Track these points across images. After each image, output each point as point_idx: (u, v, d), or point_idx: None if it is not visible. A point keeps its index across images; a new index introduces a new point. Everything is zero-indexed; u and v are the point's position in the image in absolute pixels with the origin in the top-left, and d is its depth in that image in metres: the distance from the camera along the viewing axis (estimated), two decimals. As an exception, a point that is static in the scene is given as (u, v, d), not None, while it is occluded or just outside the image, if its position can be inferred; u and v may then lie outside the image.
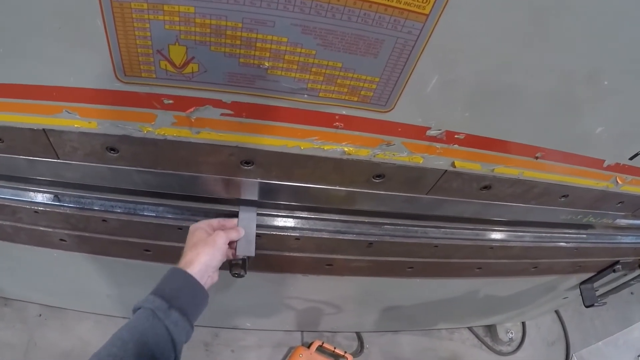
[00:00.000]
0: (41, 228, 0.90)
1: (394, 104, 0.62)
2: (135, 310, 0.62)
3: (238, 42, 0.51)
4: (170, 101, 0.58)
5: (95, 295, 1.36)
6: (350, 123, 0.64)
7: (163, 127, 0.62)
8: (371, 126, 0.65)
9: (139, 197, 0.80)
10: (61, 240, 0.93)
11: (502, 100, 0.63)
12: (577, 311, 2.13)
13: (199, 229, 0.72)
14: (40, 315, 1.59)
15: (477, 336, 1.91)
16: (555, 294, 1.60)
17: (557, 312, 2.10)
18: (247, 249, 0.77)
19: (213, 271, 0.70)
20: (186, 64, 0.53)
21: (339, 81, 0.57)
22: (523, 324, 2.00)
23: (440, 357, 1.81)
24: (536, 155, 0.76)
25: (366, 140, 0.67)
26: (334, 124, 0.63)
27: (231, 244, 0.76)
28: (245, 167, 0.68)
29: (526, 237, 1.12)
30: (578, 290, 1.47)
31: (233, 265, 0.78)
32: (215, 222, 0.76)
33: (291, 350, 1.62)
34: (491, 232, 1.07)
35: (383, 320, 1.56)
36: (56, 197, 0.84)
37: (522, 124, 0.68)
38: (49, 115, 0.63)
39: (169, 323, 0.60)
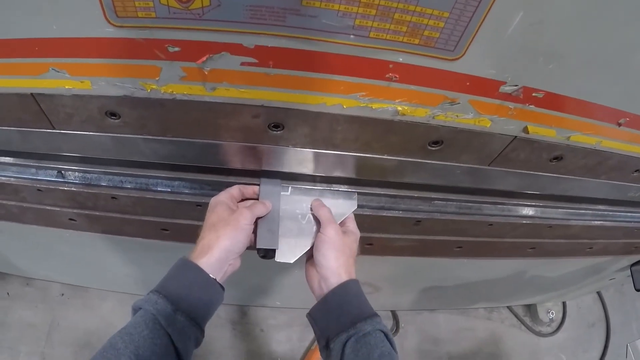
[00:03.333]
0: (48, 207, 0.82)
1: (464, 50, 0.48)
2: (135, 310, 0.53)
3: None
4: (177, 48, 0.45)
5: (116, 274, 1.31)
6: (407, 74, 0.50)
7: (170, 83, 0.50)
8: (433, 78, 0.51)
9: (150, 170, 0.69)
10: (70, 219, 0.84)
11: (594, 51, 0.49)
12: (619, 291, 2.03)
13: (220, 203, 0.60)
14: (62, 294, 1.56)
15: (516, 316, 1.80)
16: (603, 275, 1.51)
17: (598, 292, 1.99)
18: (269, 240, 0.63)
19: (235, 258, 0.59)
20: (195, -6, 0.40)
21: (396, 16, 0.43)
22: (564, 303, 1.89)
23: (477, 337, 1.72)
24: (619, 121, 0.63)
25: (425, 97, 0.53)
26: (387, 75, 0.50)
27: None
28: (274, 132, 0.56)
29: (588, 215, 1.01)
30: (627, 271, 1.37)
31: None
32: (235, 191, 0.64)
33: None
34: (552, 209, 0.93)
35: (420, 300, 1.47)
36: (59, 173, 0.74)
37: (612, 81, 0.55)
38: (35, 76, 0.52)
39: (172, 331, 0.50)
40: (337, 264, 0.60)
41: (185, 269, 0.55)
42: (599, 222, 1.01)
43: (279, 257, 0.64)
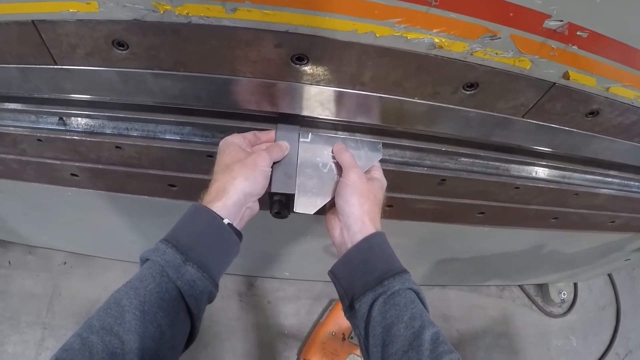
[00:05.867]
0: (49, 161, 0.78)
1: (510, -30, 0.43)
2: (143, 261, 0.48)
3: None
4: (196, -45, 0.40)
5: (120, 241, 1.28)
6: (448, -3, 0.45)
7: (186, 2, 0.45)
8: (475, 5, 0.46)
9: (158, 114, 0.64)
10: (72, 175, 0.80)
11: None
12: (629, 276, 2.01)
13: (233, 144, 0.55)
14: (65, 263, 1.54)
15: (527, 295, 1.78)
16: (619, 255, 1.46)
17: (609, 275, 1.95)
18: (285, 184, 0.59)
19: (254, 201, 0.55)
20: None
21: None
22: (575, 285, 1.86)
23: (488, 316, 1.70)
24: (661, 74, 0.57)
25: (465, 27, 0.48)
26: (427, -2, 0.44)
27: None
28: (297, 66, 0.51)
29: (615, 184, 0.97)
30: (642, 252, 1.34)
31: (274, 202, 0.60)
32: (250, 135, 0.59)
33: (332, 302, 1.52)
34: (580, 175, 0.89)
35: (432, 274, 1.44)
36: (60, 119, 0.69)
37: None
38: None
39: (182, 284, 0.46)
40: (361, 211, 0.55)
41: (197, 216, 0.51)
42: (625, 193, 0.96)
43: (298, 208, 0.59)
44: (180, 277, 0.46)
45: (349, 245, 0.55)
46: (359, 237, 0.54)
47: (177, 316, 0.46)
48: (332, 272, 0.57)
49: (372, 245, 0.54)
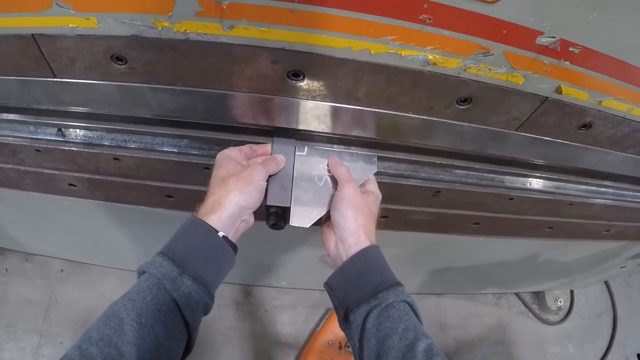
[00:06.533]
0: (47, 171, 0.78)
1: (503, -9, 0.44)
2: (140, 274, 0.49)
3: None
4: (193, -25, 0.41)
5: (117, 249, 1.28)
6: (442, 16, 0.46)
7: (184, 19, 0.45)
8: (469, 23, 0.47)
9: (156, 127, 0.64)
10: (70, 185, 0.80)
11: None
12: (626, 282, 2.02)
13: (229, 158, 0.56)
14: (62, 270, 1.54)
15: (524, 303, 1.78)
16: (615, 262, 1.47)
17: (606, 282, 1.96)
18: (281, 197, 0.59)
19: (249, 214, 0.55)
20: None
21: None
22: (571, 292, 1.86)
23: (485, 324, 1.70)
24: (652, 87, 0.58)
25: (459, 45, 0.49)
26: (420, 17, 0.45)
27: None
28: (293, 82, 0.51)
29: (609, 194, 0.97)
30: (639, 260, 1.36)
31: (271, 214, 0.61)
32: (246, 148, 0.60)
33: (328, 311, 1.52)
34: (574, 185, 0.90)
35: (428, 283, 1.44)
36: (59, 131, 0.70)
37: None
38: (37, 13, 0.49)
39: (178, 296, 0.47)
40: (356, 224, 0.55)
41: (192, 229, 0.51)
42: (619, 202, 0.97)
43: (294, 221, 0.60)
44: (177, 289, 0.47)
45: (344, 258, 0.55)
46: (353, 250, 0.54)
47: (174, 328, 0.47)
48: (327, 284, 0.57)
49: (366, 258, 0.55)
